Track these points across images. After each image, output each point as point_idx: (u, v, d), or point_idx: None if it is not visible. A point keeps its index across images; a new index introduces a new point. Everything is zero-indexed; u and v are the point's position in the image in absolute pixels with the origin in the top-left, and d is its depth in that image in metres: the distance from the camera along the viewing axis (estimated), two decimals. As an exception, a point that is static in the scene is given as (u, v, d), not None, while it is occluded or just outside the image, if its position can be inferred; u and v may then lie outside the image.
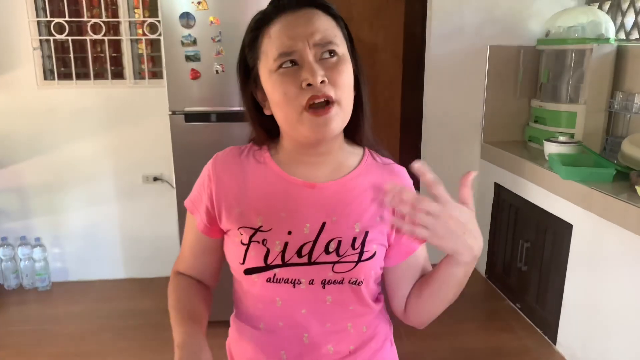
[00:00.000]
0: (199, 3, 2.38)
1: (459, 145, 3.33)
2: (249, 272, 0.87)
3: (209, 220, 0.92)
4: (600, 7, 3.00)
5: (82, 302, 3.06)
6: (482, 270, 3.33)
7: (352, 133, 0.91)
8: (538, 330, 2.67)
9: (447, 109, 3.26)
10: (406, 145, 3.35)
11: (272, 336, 0.90)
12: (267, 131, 0.90)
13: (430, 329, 2.70)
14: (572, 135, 2.76)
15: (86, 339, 2.66)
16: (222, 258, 0.97)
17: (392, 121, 3.33)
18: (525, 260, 2.79)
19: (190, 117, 2.50)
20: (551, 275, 2.55)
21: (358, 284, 0.86)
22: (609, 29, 2.74)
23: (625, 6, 2.85)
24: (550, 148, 2.59)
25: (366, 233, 0.86)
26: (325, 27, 0.82)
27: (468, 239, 0.75)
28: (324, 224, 0.86)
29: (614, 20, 2.90)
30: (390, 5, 3.18)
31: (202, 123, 2.51)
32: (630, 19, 2.82)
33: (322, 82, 0.79)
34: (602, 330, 2.20)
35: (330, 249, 0.85)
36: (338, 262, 0.85)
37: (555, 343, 2.53)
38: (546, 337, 2.60)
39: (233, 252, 0.89)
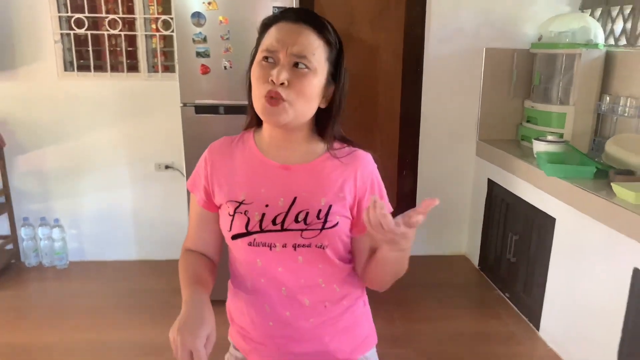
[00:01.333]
0: (209, 3, 2.55)
1: (455, 143, 3.49)
2: (234, 237, 1.07)
3: (206, 197, 1.12)
4: (592, 14, 3.14)
5: (98, 280, 3.27)
6: (475, 261, 3.49)
7: (322, 128, 1.10)
8: (524, 317, 2.83)
9: (444, 107, 3.42)
10: (405, 142, 3.51)
11: (257, 292, 1.10)
12: (255, 114, 1.08)
13: (422, 313, 2.90)
14: (561, 135, 2.91)
15: (101, 313, 2.86)
16: (221, 233, 1.15)
17: (392, 118, 3.49)
18: (514, 252, 2.95)
19: (200, 109, 2.69)
20: (537, 266, 2.71)
21: (323, 248, 1.05)
22: (597, 35, 2.88)
23: (614, 13, 2.99)
24: (539, 146, 2.75)
25: (330, 207, 1.05)
26: (308, 43, 1.00)
27: (403, 244, 0.91)
28: (295, 198, 1.05)
29: (605, 26, 3.04)
30: (391, 7, 3.33)
31: (211, 115, 2.69)
32: (619, 26, 2.96)
33: (282, 84, 0.98)
34: (580, 317, 2.36)
35: (299, 219, 1.04)
36: (305, 229, 1.04)
37: (538, 329, 2.69)
38: (531, 324, 2.76)
39: (223, 222, 1.09)
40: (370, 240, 1.09)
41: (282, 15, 1.03)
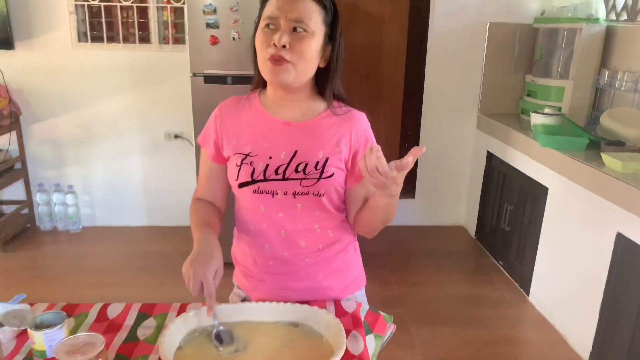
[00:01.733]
0: (219, -25, 2.63)
1: (457, 115, 3.57)
2: (241, 185, 1.18)
3: (216, 150, 1.24)
4: (595, -11, 3.18)
5: (109, 244, 3.43)
6: (472, 231, 3.61)
7: (322, 88, 1.21)
8: (515, 284, 2.95)
9: (447, 81, 3.50)
10: (408, 113, 3.60)
11: (259, 234, 1.22)
12: (261, 76, 1.19)
13: (417, 278, 3.04)
14: (559, 109, 2.99)
15: (112, 273, 3.02)
16: (227, 185, 1.27)
17: (396, 90, 3.57)
18: (508, 221, 3.06)
19: (208, 79, 2.79)
20: (529, 234, 2.82)
21: (320, 195, 1.17)
22: (599, 9, 2.94)
23: (617, -12, 3.03)
24: (536, 119, 2.83)
25: (327, 159, 1.16)
26: (304, 9, 1.10)
27: (393, 189, 1.02)
28: (295, 151, 1.16)
29: (607, 2, 3.08)
30: (397, -20, 3.39)
31: (220, 85, 2.79)
32: (621, 2, 3.00)
33: (284, 46, 1.08)
34: (567, 281, 2.47)
35: (299, 169, 1.16)
36: (304, 178, 1.16)
37: (528, 294, 2.82)
38: (521, 290, 2.88)
39: (231, 172, 1.21)
40: (365, 190, 1.20)
41: None
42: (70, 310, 1.19)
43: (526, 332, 2.57)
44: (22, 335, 1.08)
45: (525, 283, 2.85)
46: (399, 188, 1.03)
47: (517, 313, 2.69)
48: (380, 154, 0.96)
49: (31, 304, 1.19)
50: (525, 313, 2.69)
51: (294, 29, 1.09)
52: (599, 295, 2.19)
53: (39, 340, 1.00)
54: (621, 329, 2.08)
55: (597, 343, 2.23)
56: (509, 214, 3.05)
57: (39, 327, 1.00)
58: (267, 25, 1.11)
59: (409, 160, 0.96)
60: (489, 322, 2.60)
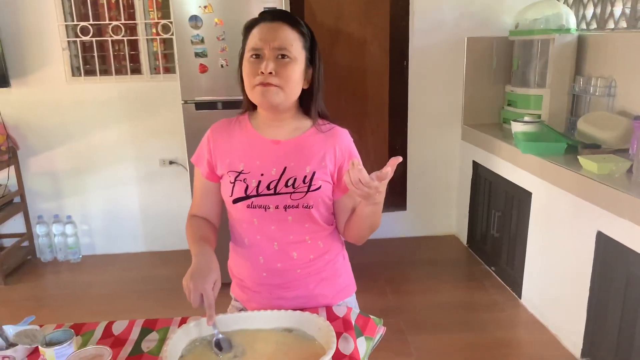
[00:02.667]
0: (205, 7, 2.76)
1: (441, 128, 3.69)
2: (235, 201, 1.27)
3: (209, 169, 1.33)
4: (565, 1, 3.33)
5: (109, 271, 3.49)
6: (464, 240, 3.69)
7: (307, 107, 1.31)
8: (508, 288, 3.03)
9: (430, 95, 3.62)
10: (394, 129, 3.71)
11: (253, 246, 1.31)
12: (249, 100, 1.29)
13: (412, 287, 3.11)
14: (539, 116, 3.11)
15: (114, 299, 3.08)
16: (221, 201, 1.36)
17: (381, 107, 3.68)
18: (497, 227, 3.15)
19: (200, 105, 2.89)
20: (517, 238, 2.91)
21: (309, 208, 1.26)
22: (569, 20, 3.07)
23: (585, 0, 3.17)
24: (516, 127, 2.94)
25: (314, 173, 1.26)
26: (285, 37, 1.21)
27: (377, 198, 1.12)
28: (285, 167, 1.26)
29: (577, 12, 3.23)
30: (377, 3, 3.52)
31: (210, 110, 2.89)
32: (590, 11, 3.15)
33: (271, 73, 1.19)
34: (554, 281, 2.55)
35: (289, 184, 1.25)
36: (294, 192, 1.25)
37: (520, 297, 2.89)
38: (514, 293, 2.96)
39: (225, 189, 1.30)
40: (351, 201, 1.30)
41: (261, 17, 1.25)
42: (77, 329, 1.25)
43: (520, 333, 2.63)
44: (33, 354, 1.15)
45: (516, 286, 2.93)
46: (382, 196, 1.13)
47: (510, 316, 2.76)
48: (361, 167, 1.06)
49: (40, 326, 1.26)
50: (518, 315, 2.76)
51: (278, 57, 1.20)
52: (586, 292, 2.27)
53: (50, 356, 1.07)
54: (609, 324, 2.16)
55: (587, 339, 2.30)
56: (497, 220, 3.14)
57: (49, 344, 1.08)
58: (253, 55, 1.21)
59: (387, 170, 1.06)
60: (483, 326, 2.67)
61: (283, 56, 1.20)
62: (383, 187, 1.09)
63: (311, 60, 1.27)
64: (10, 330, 1.20)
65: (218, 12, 2.77)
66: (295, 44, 1.22)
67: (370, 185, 1.06)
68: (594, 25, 3.13)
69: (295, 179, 1.25)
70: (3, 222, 3.48)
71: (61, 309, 2.99)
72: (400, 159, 1.06)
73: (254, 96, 1.23)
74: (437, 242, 3.78)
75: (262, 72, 1.18)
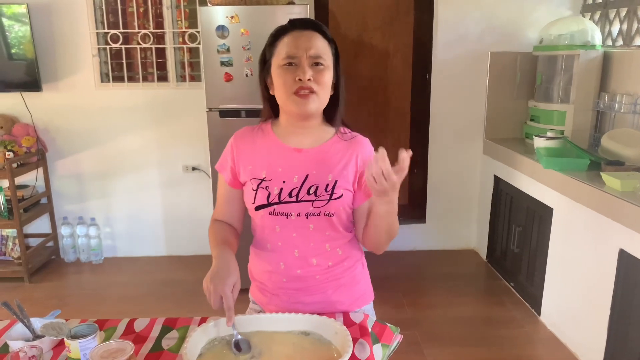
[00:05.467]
0: (232, 17, 2.82)
1: (463, 142, 3.68)
2: (257, 208, 1.30)
3: (233, 176, 1.35)
4: (592, 17, 3.32)
5: (130, 274, 3.55)
6: (484, 254, 3.66)
7: (330, 116, 1.33)
8: (526, 304, 2.99)
9: (452, 109, 3.63)
10: (415, 141, 3.71)
11: (274, 252, 1.33)
12: (271, 108, 1.33)
13: (429, 301, 3.10)
14: (562, 132, 3.08)
15: (134, 301, 3.13)
16: (243, 208, 1.38)
17: (403, 119, 3.70)
18: (517, 243, 3.12)
19: (224, 113, 2.95)
20: (537, 254, 2.88)
21: (330, 216, 1.28)
22: (595, 36, 3.06)
23: (612, 16, 3.16)
24: (538, 142, 2.92)
25: (336, 181, 1.27)
26: (319, 45, 1.24)
27: (391, 195, 1.14)
28: (307, 175, 1.28)
29: (603, 29, 3.21)
30: (400, 16, 3.56)
31: (234, 118, 2.95)
32: (616, 28, 3.13)
33: (309, 79, 1.21)
34: (575, 299, 2.52)
35: (311, 192, 1.27)
36: (316, 200, 1.27)
37: (539, 314, 2.85)
38: (533, 310, 2.92)
39: (248, 196, 1.32)
40: (369, 202, 1.30)
41: (291, 25, 1.28)
42: (100, 324, 1.29)
43: (538, 351, 2.60)
44: (58, 347, 1.19)
45: (536, 303, 2.89)
46: (396, 193, 1.14)
47: (528, 333, 2.73)
48: (386, 157, 1.07)
49: (65, 320, 1.30)
50: (537, 332, 2.72)
51: (313, 64, 1.23)
52: (607, 311, 2.23)
53: (75, 349, 1.10)
54: (630, 344, 2.12)
55: (607, 359, 2.26)
56: (518, 235, 3.11)
57: (74, 337, 1.11)
58: (288, 63, 1.23)
59: (406, 162, 1.07)
60: (501, 342, 2.64)
61: (318, 64, 1.23)
62: (398, 183, 1.11)
63: (336, 68, 1.30)
64: (37, 322, 1.24)
65: (244, 22, 2.83)
66: (327, 52, 1.26)
67: (391, 178, 1.08)
68: (620, 42, 3.11)
69: (317, 187, 1.27)
70: (30, 222, 3.57)
71: (82, 308, 3.05)
72: (410, 152, 1.08)
73: (289, 104, 1.25)
74: (456, 256, 3.75)
75: (301, 79, 1.21)
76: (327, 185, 1.27)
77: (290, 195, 1.27)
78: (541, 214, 2.84)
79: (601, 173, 2.35)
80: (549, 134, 2.98)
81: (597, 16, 3.30)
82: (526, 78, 3.50)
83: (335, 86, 1.31)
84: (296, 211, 1.27)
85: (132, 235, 3.79)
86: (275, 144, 1.32)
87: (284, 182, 1.28)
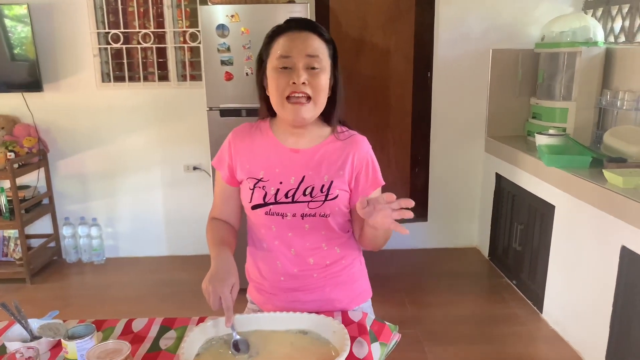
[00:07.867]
0: (232, 16, 2.82)
1: (465, 139, 3.66)
2: (254, 207, 1.29)
3: (230, 173, 1.34)
4: (594, 14, 3.29)
5: (132, 274, 3.55)
6: (486, 252, 3.65)
7: (327, 116, 1.32)
8: (529, 302, 2.98)
9: (454, 107, 3.61)
10: (417, 140, 3.70)
11: (271, 251, 1.32)
12: (268, 108, 1.31)
13: (431, 299, 3.08)
14: (564, 129, 3.07)
15: (135, 301, 3.13)
16: (241, 205, 1.38)
17: (404, 117, 3.68)
18: (519, 241, 3.11)
19: (224, 112, 2.94)
20: (540, 252, 2.87)
21: (326, 216, 1.27)
22: (597, 33, 3.04)
23: (614, 12, 3.14)
24: (540, 140, 2.91)
25: (331, 182, 1.27)
26: (315, 46, 1.22)
27: (391, 225, 1.10)
28: (303, 177, 1.27)
29: (605, 25, 3.19)
30: (402, 13, 3.54)
31: (235, 117, 2.94)
32: (618, 24, 3.11)
33: (304, 83, 1.19)
34: (577, 296, 2.50)
35: (306, 193, 1.26)
36: (311, 201, 1.26)
37: (542, 312, 2.84)
38: (535, 307, 2.91)
39: (244, 195, 1.31)
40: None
41: (287, 25, 1.25)
42: (98, 325, 1.29)
43: (540, 348, 2.58)
44: (55, 348, 1.19)
45: (538, 300, 2.88)
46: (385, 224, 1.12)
47: (531, 330, 2.71)
48: (367, 200, 1.08)
49: (63, 320, 1.30)
50: (540, 330, 2.71)
51: (308, 67, 1.20)
52: (609, 308, 2.22)
53: (72, 349, 1.10)
54: (632, 341, 2.11)
55: (609, 356, 2.24)
56: (520, 233, 3.10)
57: (71, 338, 1.11)
58: (282, 65, 1.20)
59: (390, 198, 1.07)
60: (503, 339, 2.63)
61: (313, 67, 1.20)
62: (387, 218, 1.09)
63: (334, 69, 1.28)
64: (34, 323, 1.24)
65: (244, 21, 2.83)
66: (323, 52, 1.23)
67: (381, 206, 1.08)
68: (622, 39, 3.08)
69: (313, 188, 1.26)
70: (31, 222, 3.58)
71: (84, 308, 3.05)
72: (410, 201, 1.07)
73: (284, 112, 1.22)
74: (458, 254, 3.74)
75: (294, 83, 1.18)
76: (323, 186, 1.26)
77: (286, 196, 1.26)
78: (543, 212, 2.82)
79: (603, 170, 2.33)
80: (551, 131, 2.96)
81: (599, 13, 3.28)
82: (528, 75, 3.48)
83: (333, 88, 1.28)
84: (292, 212, 1.26)
85: (134, 235, 3.79)
86: (273, 144, 1.31)
87: (280, 182, 1.27)
